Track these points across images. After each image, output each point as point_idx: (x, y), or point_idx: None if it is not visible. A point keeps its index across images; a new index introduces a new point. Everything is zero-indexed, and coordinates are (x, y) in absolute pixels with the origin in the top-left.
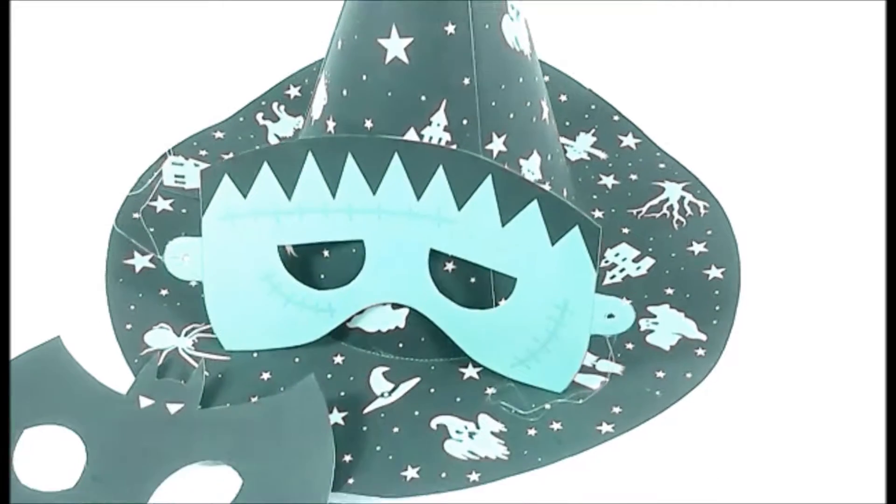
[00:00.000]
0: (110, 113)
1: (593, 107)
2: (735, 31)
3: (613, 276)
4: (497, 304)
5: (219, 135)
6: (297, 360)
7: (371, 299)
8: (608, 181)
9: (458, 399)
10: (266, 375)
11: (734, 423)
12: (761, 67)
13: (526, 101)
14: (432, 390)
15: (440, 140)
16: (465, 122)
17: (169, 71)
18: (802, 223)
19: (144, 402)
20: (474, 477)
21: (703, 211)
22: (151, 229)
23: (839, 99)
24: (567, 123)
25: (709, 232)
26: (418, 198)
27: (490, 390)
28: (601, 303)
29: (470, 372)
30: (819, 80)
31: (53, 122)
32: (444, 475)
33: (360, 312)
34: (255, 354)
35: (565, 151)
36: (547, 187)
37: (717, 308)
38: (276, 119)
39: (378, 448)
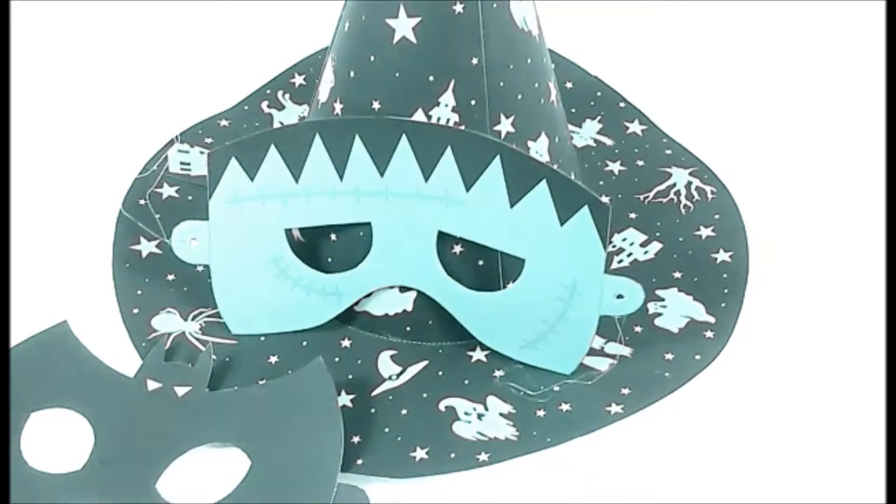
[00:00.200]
0: (116, 101)
1: (599, 94)
2: (739, 16)
3: (621, 261)
4: (504, 287)
5: (224, 123)
6: (304, 343)
7: (378, 282)
8: (614, 167)
9: (467, 381)
10: (274, 359)
11: (743, 406)
12: (766, 53)
13: (534, 82)
14: (440, 373)
15: (448, 121)
16: (473, 102)
17: (175, 59)
18: (810, 210)
19: (152, 385)
20: (483, 457)
21: (710, 196)
22: (158, 215)
23: (846, 82)
24: (573, 110)
25: (716, 216)
26: (426, 179)
27: (498, 373)
28: (610, 283)
29: (478, 355)
30: (825, 64)
31: (59, 110)
32: (453, 455)
33: (368, 296)
34: (262, 338)
35: (571, 138)
36: None
37: (726, 291)
38: (281, 107)
39: (386, 430)
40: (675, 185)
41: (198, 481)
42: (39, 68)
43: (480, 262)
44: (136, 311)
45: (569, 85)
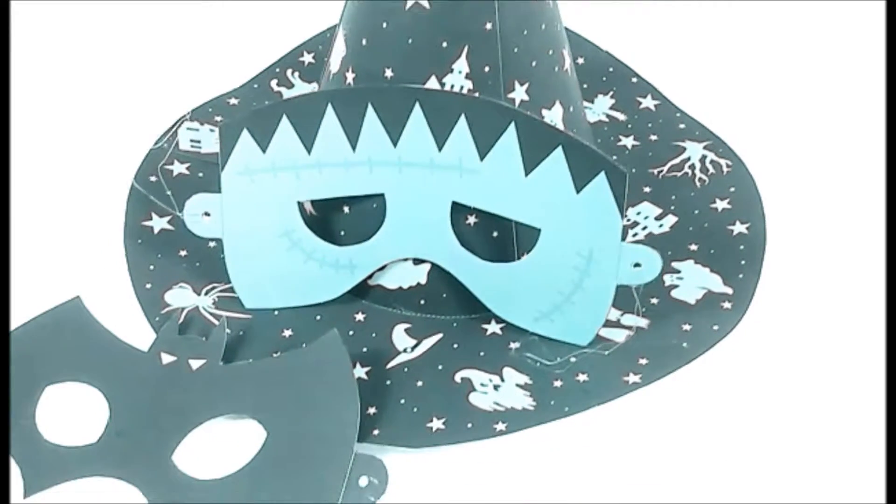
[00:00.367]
0: (127, 81)
1: (611, 69)
2: None
3: (636, 234)
4: (519, 258)
5: (233, 101)
6: (318, 317)
7: (392, 254)
8: (628, 142)
9: (482, 353)
10: (288, 333)
11: (761, 376)
12: (780, 26)
13: (548, 48)
14: (455, 346)
15: (462, 88)
16: (486, 69)
17: (185, 38)
18: (826, 183)
19: (166, 358)
20: (501, 427)
21: (725, 169)
22: (169, 192)
23: (863, 54)
24: (585, 86)
25: (732, 189)
26: (440, 148)
27: (514, 345)
28: (627, 251)
29: (493, 328)
30: (841, 36)
31: (70, 90)
32: (470, 425)
33: (381, 269)
34: (276, 312)
35: (584, 111)
36: None
37: (743, 262)
38: (290, 86)
39: (402, 401)
40: (689, 158)
41: (214, 453)
42: (52, 47)
43: (495, 233)
44: (148, 286)
45: (581, 60)
